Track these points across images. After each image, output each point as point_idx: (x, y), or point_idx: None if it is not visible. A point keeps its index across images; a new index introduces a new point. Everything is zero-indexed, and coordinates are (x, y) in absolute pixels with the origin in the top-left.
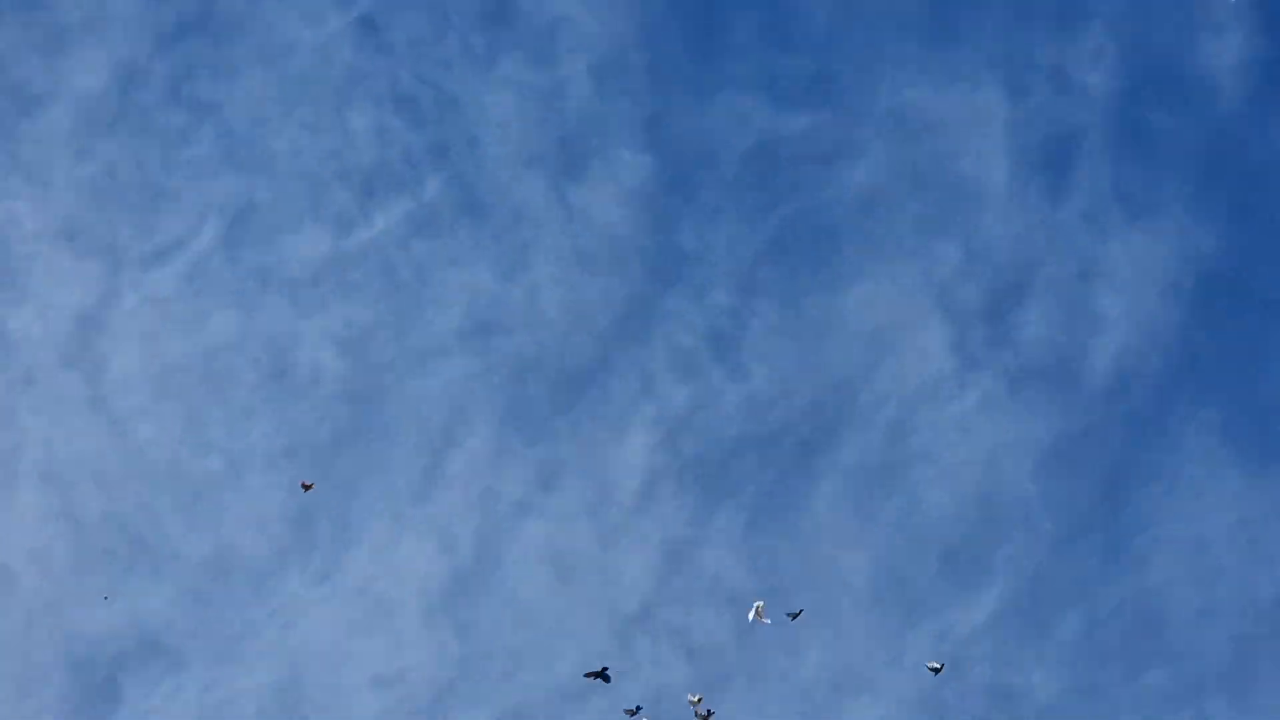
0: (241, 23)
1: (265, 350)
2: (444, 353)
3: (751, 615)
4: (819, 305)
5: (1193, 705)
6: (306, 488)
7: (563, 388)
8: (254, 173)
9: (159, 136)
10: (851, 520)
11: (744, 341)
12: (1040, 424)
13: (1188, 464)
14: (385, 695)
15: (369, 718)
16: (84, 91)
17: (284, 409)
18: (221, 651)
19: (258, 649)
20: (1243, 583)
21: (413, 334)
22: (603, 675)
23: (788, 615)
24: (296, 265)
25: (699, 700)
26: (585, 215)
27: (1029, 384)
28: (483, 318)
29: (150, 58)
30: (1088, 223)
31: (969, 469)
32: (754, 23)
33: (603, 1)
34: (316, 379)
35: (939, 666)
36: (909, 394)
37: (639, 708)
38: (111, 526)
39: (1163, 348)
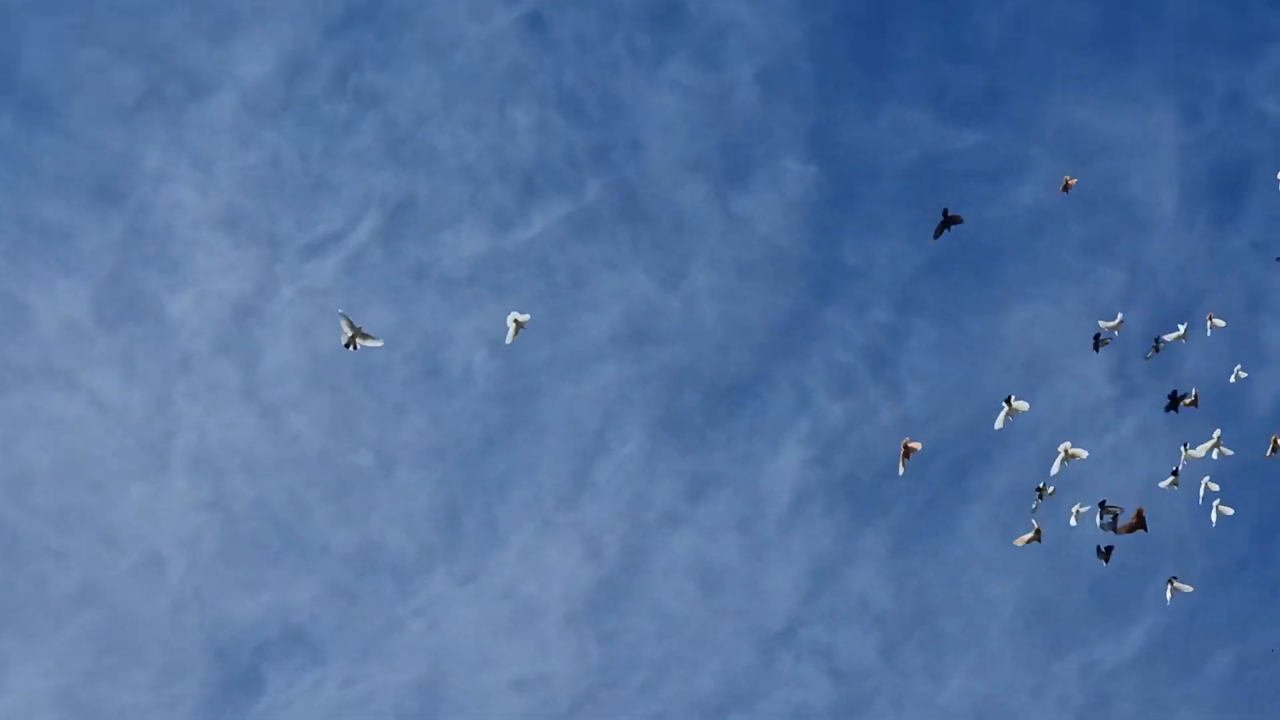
0: (409, 15)
1: (419, 347)
2: (598, 358)
3: (1002, 417)
4: (979, 325)
5: None
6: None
7: (717, 399)
8: (414, 167)
9: (322, 127)
10: (1001, 545)
11: (901, 360)
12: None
13: None
14: (525, 699)
15: None
16: (250, 79)
17: (435, 406)
18: (364, 647)
19: (400, 646)
20: None
21: (567, 337)
22: (949, 222)
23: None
24: (453, 262)
25: (1119, 323)
26: (747, 224)
27: (1189, 415)
28: (639, 324)
29: (317, 47)
30: (1258, 252)
31: (1124, 499)
32: (925, 35)
33: (772, 6)
34: (469, 378)
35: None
36: (1065, 419)
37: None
38: (261, 516)
39: None
